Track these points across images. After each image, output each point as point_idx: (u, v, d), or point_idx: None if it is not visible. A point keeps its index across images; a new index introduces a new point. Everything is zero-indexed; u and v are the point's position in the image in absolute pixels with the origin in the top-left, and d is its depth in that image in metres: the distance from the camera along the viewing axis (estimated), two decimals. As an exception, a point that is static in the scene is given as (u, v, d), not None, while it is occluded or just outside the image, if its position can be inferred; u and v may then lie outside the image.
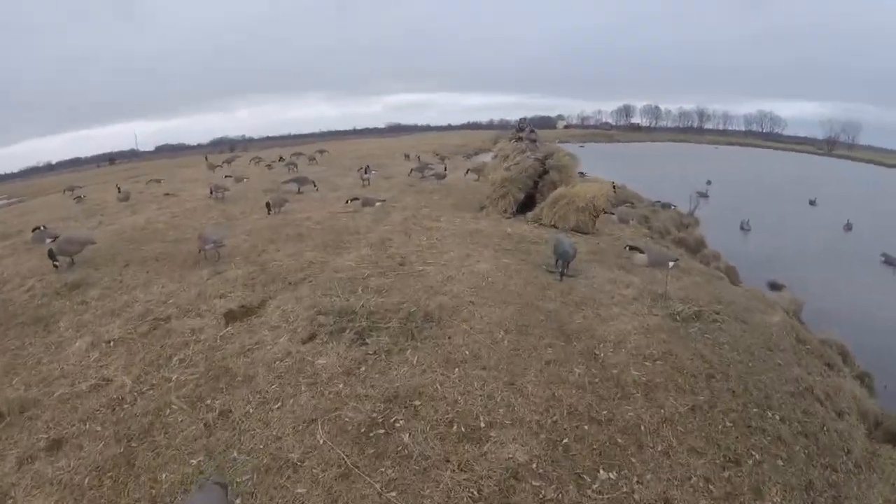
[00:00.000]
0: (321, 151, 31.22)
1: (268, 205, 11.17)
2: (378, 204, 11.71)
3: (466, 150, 36.24)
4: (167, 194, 16.32)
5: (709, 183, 24.70)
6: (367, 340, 4.94)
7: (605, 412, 4.07)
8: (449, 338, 5.09)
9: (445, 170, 16.80)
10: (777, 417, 4.24)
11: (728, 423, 4.08)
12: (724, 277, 8.76)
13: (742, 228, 15.57)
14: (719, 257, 12.01)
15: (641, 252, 8.08)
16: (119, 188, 16.64)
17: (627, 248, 8.46)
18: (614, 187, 14.90)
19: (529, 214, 10.22)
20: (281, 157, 26.96)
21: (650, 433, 3.89)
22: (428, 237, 8.83)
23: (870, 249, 13.74)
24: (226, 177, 18.82)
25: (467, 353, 4.83)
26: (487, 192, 10.94)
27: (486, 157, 32.35)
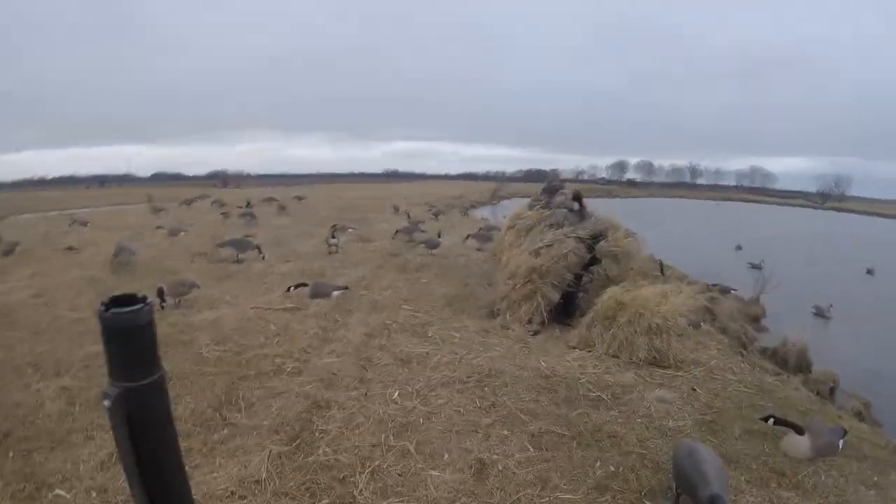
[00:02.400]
0: (299, 198, 27.63)
1: (160, 293, 7.11)
2: (335, 294, 7.74)
3: (463, 202, 32.90)
4: (70, 248, 12.23)
5: (739, 248, 21.39)
6: None
7: None
8: None
9: (440, 235, 12.95)
10: None
11: None
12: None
13: (820, 315, 11.73)
14: (834, 379, 8.12)
15: (798, 430, 4.13)
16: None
17: (771, 421, 4.49)
18: (661, 269, 11.11)
19: (573, 334, 6.25)
20: (248, 202, 23.18)
21: None
22: (402, 388, 4.80)
23: None
24: (157, 228, 14.86)
25: None
26: (502, 287, 6.98)
27: (485, 212, 29.04)
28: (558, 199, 7.82)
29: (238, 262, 10.78)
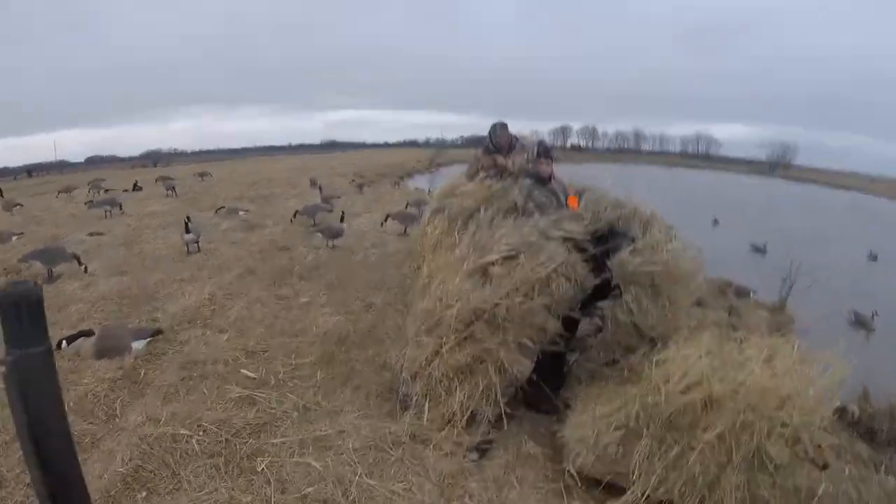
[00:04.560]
0: (202, 175, 22.79)
1: None
2: (136, 347, 3.95)
3: (398, 171, 29.27)
4: None
5: (716, 222, 18.83)
6: None
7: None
8: None
9: (342, 219, 9.17)
10: None
11: None
12: None
13: (861, 325, 8.91)
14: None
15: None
16: None
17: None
18: (729, 310, 7.88)
19: (571, 447, 2.72)
20: (136, 184, 18.08)
21: None
22: None
23: None
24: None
25: None
26: (413, 350, 3.32)
27: (422, 182, 25.22)
28: (518, 160, 4.21)
29: (50, 279, 6.62)
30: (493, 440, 3.07)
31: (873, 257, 14.76)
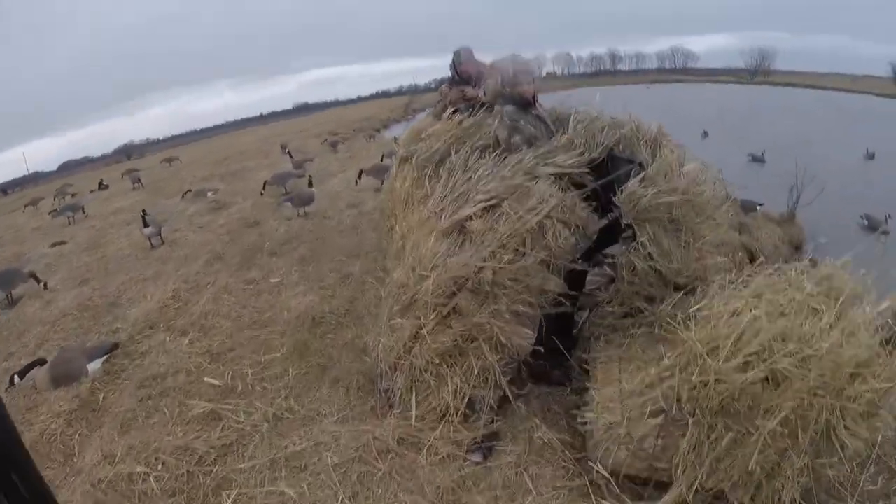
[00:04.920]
0: (169, 160, 21.64)
1: None
2: (93, 368, 3.40)
3: (372, 124, 28.14)
4: None
5: (706, 134, 17.94)
6: None
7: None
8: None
9: (311, 183, 8.42)
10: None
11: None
12: None
13: (874, 228, 8.33)
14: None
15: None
16: None
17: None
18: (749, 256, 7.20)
19: (597, 438, 2.18)
20: (101, 182, 16.87)
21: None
22: None
23: None
24: None
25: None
26: (387, 337, 2.71)
27: (399, 130, 24.04)
28: (491, 84, 3.44)
29: (10, 304, 5.91)
30: (497, 432, 2.52)
31: (870, 156, 13.95)
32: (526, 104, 3.18)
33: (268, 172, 13.34)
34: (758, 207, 8.23)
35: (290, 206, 7.77)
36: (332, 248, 6.09)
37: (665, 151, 2.61)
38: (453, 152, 3.18)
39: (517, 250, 2.48)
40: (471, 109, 3.56)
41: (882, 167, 13.02)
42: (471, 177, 2.90)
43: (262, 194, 9.70)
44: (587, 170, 2.65)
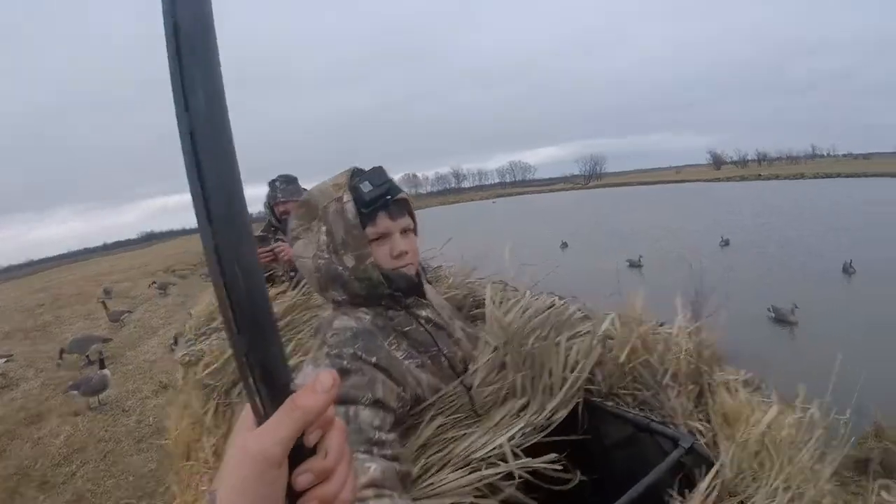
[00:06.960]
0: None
1: None
2: None
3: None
4: None
5: (565, 245, 17.35)
6: None
7: None
8: None
9: (103, 364, 5.92)
10: None
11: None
12: None
13: (783, 321, 7.88)
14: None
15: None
16: None
17: None
18: None
19: None
20: None
21: None
22: None
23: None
24: None
25: None
26: None
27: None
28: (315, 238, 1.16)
29: None
30: None
31: (725, 242, 14.61)
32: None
33: (82, 325, 10.16)
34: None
35: (78, 395, 5.24)
36: (123, 477, 3.74)
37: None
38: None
39: None
40: (292, 274, 2.03)
41: (736, 252, 13.60)
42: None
43: (59, 365, 6.92)
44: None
